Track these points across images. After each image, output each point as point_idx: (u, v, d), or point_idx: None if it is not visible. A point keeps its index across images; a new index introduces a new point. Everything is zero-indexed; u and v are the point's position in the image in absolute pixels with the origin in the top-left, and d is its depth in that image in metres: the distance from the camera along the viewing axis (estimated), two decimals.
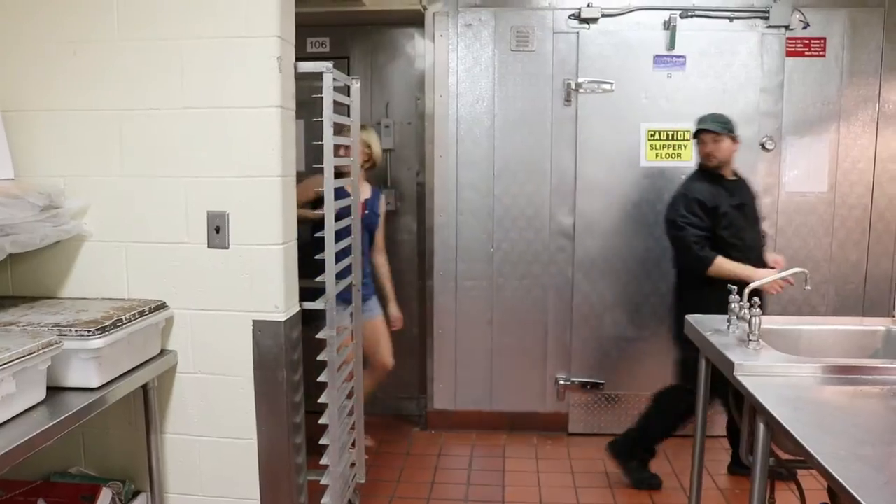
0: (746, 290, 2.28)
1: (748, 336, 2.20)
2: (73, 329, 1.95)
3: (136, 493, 2.40)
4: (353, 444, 3.01)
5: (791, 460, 2.20)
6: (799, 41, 3.86)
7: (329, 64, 2.44)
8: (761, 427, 1.93)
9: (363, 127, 3.30)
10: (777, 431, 1.85)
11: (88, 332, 1.94)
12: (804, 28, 3.85)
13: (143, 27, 2.27)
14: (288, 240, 2.33)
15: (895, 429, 1.74)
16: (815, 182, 3.95)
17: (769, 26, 3.84)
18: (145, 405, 2.29)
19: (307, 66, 2.40)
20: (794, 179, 3.95)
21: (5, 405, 1.72)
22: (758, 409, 1.89)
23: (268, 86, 2.23)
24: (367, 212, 3.54)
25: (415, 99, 4.26)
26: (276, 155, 2.26)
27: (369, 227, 3.62)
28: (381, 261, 3.78)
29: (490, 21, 3.91)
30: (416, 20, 4.04)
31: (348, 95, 2.82)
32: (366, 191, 3.58)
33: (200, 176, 2.29)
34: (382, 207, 3.75)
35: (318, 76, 2.46)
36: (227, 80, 2.25)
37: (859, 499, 1.30)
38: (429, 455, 3.89)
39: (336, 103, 2.54)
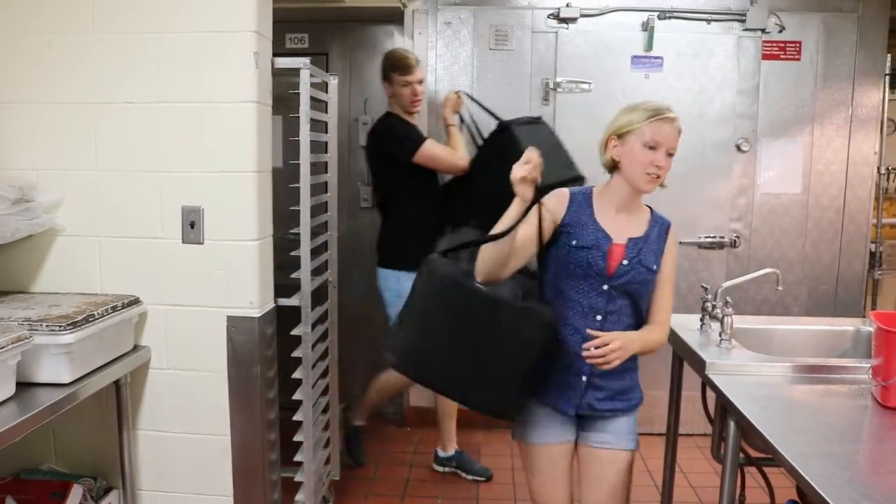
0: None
1: (720, 335, 2.23)
2: (43, 324, 1.93)
3: (107, 490, 2.38)
4: (328, 441, 3.01)
5: (761, 458, 2.23)
6: (775, 44, 3.90)
7: (306, 60, 2.44)
8: (732, 425, 1.95)
9: None
10: (747, 429, 1.88)
11: (59, 326, 1.92)
12: (780, 32, 3.88)
13: (118, 21, 2.26)
14: (263, 236, 2.32)
15: (861, 427, 1.78)
16: (790, 184, 3.99)
17: (746, 29, 3.87)
18: (118, 401, 2.28)
19: (284, 62, 2.40)
20: (768, 181, 3.99)
21: None
22: (728, 408, 1.92)
23: (244, 81, 2.22)
24: None
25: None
26: (251, 150, 2.25)
27: None
28: None
29: (469, 19, 3.91)
30: (395, 17, 4.04)
31: (326, 92, 2.82)
32: None
33: (175, 171, 2.28)
34: None
35: (298, 72, 2.46)
36: (203, 75, 2.24)
37: (824, 495, 1.32)
38: (405, 452, 3.89)
39: (314, 99, 2.54)
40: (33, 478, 2.36)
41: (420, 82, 3.34)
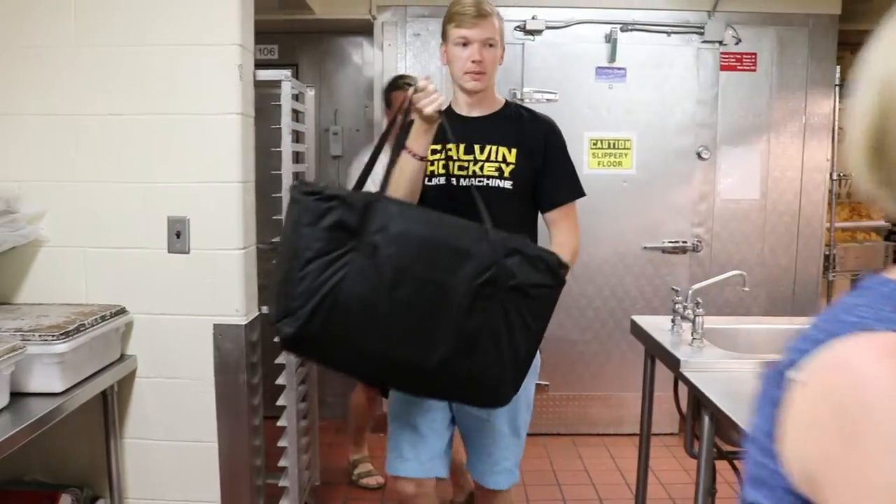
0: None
1: (692, 335, 2.33)
2: (36, 334, 1.95)
3: (94, 499, 2.40)
4: (308, 447, 3.05)
5: (732, 451, 2.34)
6: (732, 56, 4.05)
7: (287, 72, 2.50)
8: (706, 420, 2.05)
9: None
10: (721, 423, 1.98)
11: (52, 336, 1.95)
12: (736, 44, 4.04)
13: (102, 33, 2.29)
14: (248, 244, 2.36)
15: None
16: (748, 190, 4.15)
17: (704, 41, 4.02)
18: (104, 410, 2.30)
19: (266, 74, 2.45)
20: (728, 187, 4.14)
21: None
22: (703, 403, 2.01)
23: (228, 93, 2.27)
24: None
25: (363, 106, 4.31)
26: (236, 161, 2.29)
27: None
28: None
29: (437, 31, 3.97)
30: (364, 29, 4.10)
31: (302, 102, 2.87)
32: None
33: (160, 182, 2.31)
34: None
35: (270, 83, 2.51)
36: (187, 87, 2.27)
37: None
38: (382, 457, 3.92)
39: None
40: (18, 489, 2.36)
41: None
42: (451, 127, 1.97)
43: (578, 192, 2.20)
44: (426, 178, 2.08)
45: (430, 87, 1.86)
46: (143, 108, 2.29)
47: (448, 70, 2.14)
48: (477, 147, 2.08)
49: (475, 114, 2.13)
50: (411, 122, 1.96)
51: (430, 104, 1.86)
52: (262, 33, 4.17)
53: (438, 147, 2.04)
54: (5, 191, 2.25)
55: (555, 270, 1.79)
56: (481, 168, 2.08)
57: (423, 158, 1.97)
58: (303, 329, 1.68)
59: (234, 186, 2.30)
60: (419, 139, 1.94)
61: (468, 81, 2.03)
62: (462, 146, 2.07)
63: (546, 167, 2.12)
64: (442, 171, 2.09)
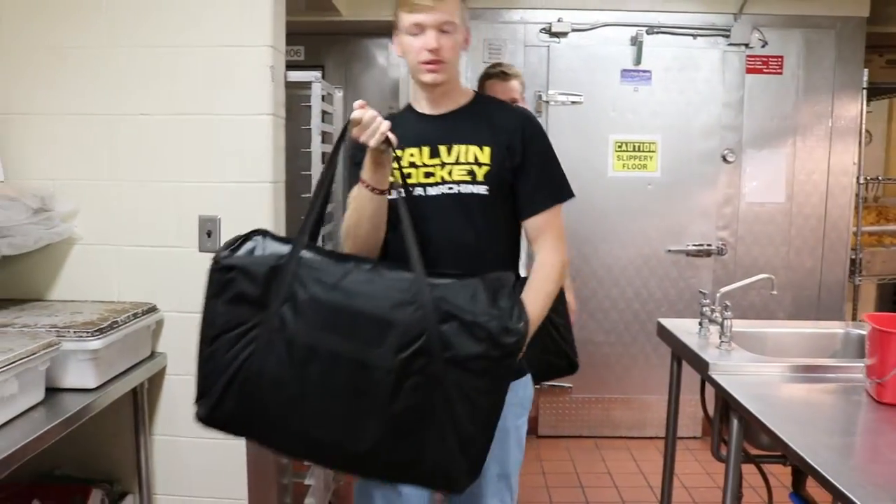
0: None
1: (720, 338, 2.32)
2: (70, 330, 1.98)
3: (122, 495, 2.42)
4: None
5: (759, 455, 2.33)
6: (758, 59, 4.04)
7: (318, 73, 2.52)
8: (735, 422, 2.04)
9: None
10: (750, 426, 1.97)
11: (87, 333, 1.97)
12: (763, 46, 4.03)
13: (135, 35, 2.32)
14: None
15: (858, 421, 1.88)
16: (773, 193, 4.13)
17: (730, 44, 4.01)
18: (135, 407, 2.33)
19: (297, 75, 2.47)
20: (753, 190, 4.12)
21: (8, 405, 1.75)
22: (732, 405, 2.01)
23: (260, 94, 2.30)
24: None
25: (388, 108, 4.32)
26: (267, 162, 2.32)
27: None
28: None
29: None
30: (390, 31, 4.09)
31: (330, 104, 2.89)
32: None
33: (192, 181, 2.34)
34: None
35: (299, 84, 2.53)
36: (219, 88, 2.30)
37: (834, 482, 1.42)
38: None
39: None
40: (50, 483, 2.40)
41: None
42: (414, 128, 1.77)
43: (562, 194, 1.84)
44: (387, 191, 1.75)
45: (366, 117, 1.57)
46: (175, 109, 2.32)
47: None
48: (443, 148, 1.77)
49: (440, 110, 1.82)
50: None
51: (372, 137, 1.57)
52: (289, 34, 4.19)
53: (399, 152, 1.73)
54: (40, 189, 2.28)
55: (497, 340, 1.46)
56: (450, 172, 1.75)
57: (383, 192, 1.68)
58: (216, 411, 1.55)
59: (266, 187, 2.33)
60: (375, 172, 1.65)
61: (425, 74, 1.73)
62: (426, 149, 1.77)
63: (524, 165, 1.78)
64: (406, 181, 1.77)
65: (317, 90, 2.51)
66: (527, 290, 1.73)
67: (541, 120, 3.99)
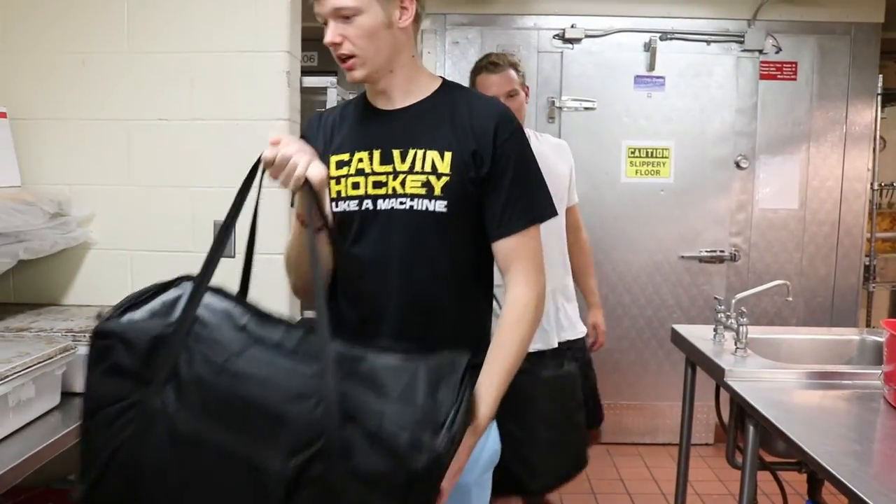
0: None
1: (736, 344, 2.31)
2: (86, 335, 1.99)
3: None
4: None
5: (775, 462, 2.32)
6: (772, 65, 4.03)
7: (333, 79, 2.53)
8: (751, 429, 2.03)
9: None
10: (766, 433, 1.96)
11: None
12: (776, 53, 4.02)
13: (153, 40, 2.33)
14: None
15: (876, 428, 1.86)
16: (787, 199, 4.12)
17: (744, 50, 4.01)
18: None
19: (313, 81, 2.48)
20: (766, 196, 4.11)
21: (25, 409, 1.76)
22: (748, 412, 2.00)
23: (276, 100, 2.31)
24: None
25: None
26: None
27: None
28: None
29: (476, 39, 4.02)
30: None
31: None
32: None
33: (208, 186, 2.35)
34: None
35: (314, 90, 2.54)
36: (236, 94, 2.31)
37: (854, 490, 1.41)
38: None
39: None
40: (63, 487, 2.40)
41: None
42: (365, 126, 1.52)
43: (541, 212, 1.50)
44: (333, 203, 1.51)
45: (279, 157, 1.36)
46: (192, 114, 2.33)
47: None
48: (396, 153, 1.46)
49: (395, 105, 1.51)
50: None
51: (288, 179, 1.37)
52: (303, 40, 4.24)
53: (346, 156, 1.49)
54: (57, 193, 2.29)
55: (403, 459, 1.15)
56: (402, 183, 1.45)
57: (320, 228, 1.45)
58: (95, 490, 1.27)
59: (281, 192, 2.32)
60: (309, 207, 1.40)
61: (346, 73, 1.45)
62: (377, 153, 1.47)
63: (494, 175, 1.45)
64: (352, 191, 1.48)
65: (332, 96, 2.52)
66: (491, 352, 1.43)
67: (553, 126, 4.00)
